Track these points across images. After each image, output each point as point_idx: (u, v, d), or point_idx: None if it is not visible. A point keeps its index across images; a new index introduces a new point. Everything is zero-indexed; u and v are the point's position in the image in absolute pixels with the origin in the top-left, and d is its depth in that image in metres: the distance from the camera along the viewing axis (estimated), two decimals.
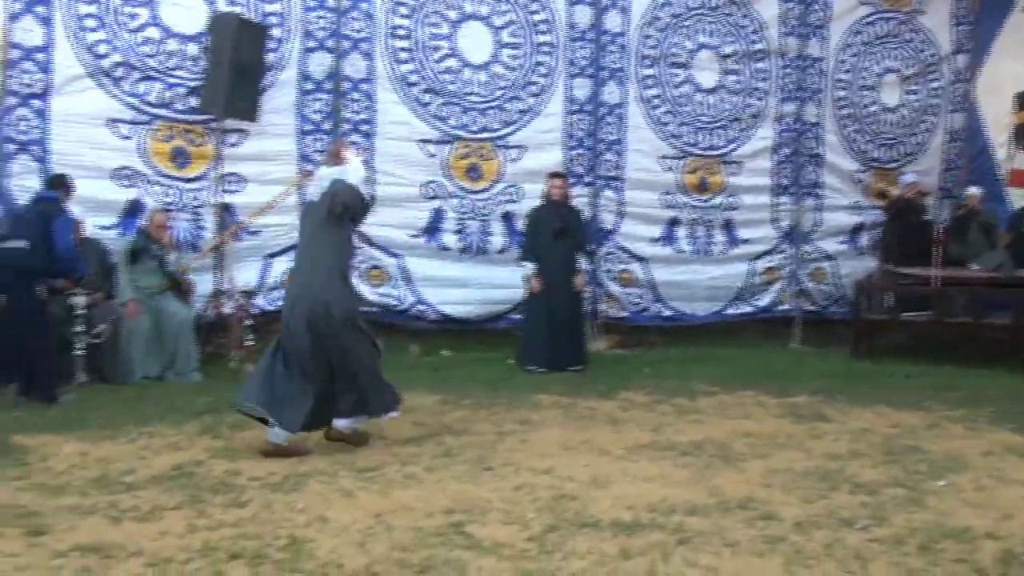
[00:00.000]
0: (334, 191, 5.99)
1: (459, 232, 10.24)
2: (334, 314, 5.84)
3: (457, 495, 5.05)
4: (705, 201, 11.21)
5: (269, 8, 9.44)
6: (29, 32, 8.56)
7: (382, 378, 6.11)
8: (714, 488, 5.22)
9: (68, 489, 5.03)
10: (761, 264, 11.47)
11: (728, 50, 11.20)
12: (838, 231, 11.78)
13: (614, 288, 10.82)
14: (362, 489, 5.15)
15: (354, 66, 9.81)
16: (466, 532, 4.50)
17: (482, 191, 10.31)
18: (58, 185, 7.68)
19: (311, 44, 9.64)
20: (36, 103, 8.58)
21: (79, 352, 7.72)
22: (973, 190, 11.53)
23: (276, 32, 9.42)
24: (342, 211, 5.95)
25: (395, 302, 9.96)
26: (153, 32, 8.98)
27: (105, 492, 5.00)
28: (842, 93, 11.73)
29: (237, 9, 9.22)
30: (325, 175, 6.20)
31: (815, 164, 11.65)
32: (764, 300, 11.50)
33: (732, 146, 11.32)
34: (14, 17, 8.51)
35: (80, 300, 7.63)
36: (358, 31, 9.79)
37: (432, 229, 10.13)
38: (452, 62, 10.17)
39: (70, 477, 5.25)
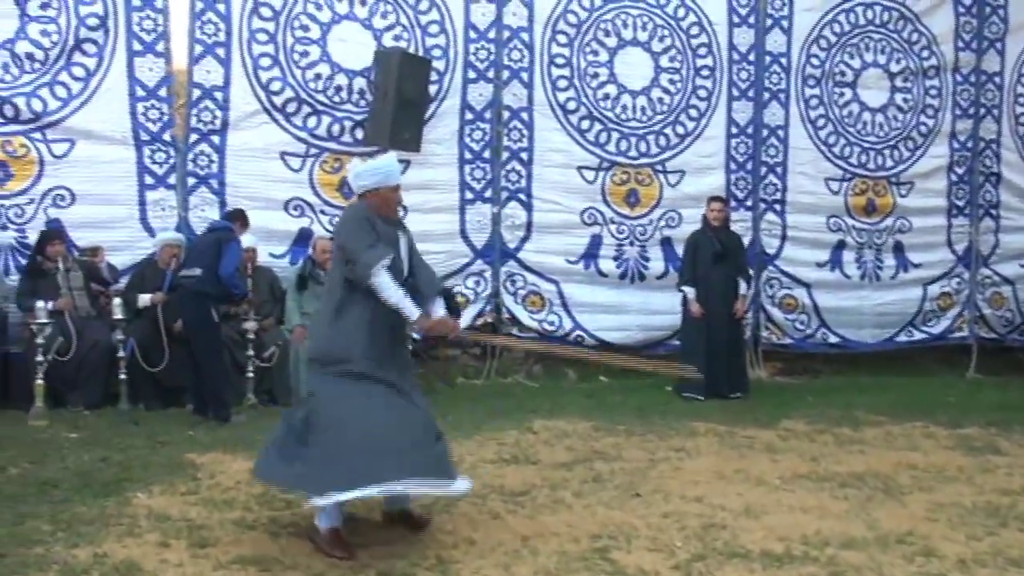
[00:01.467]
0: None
1: (617, 258, 10.23)
2: (309, 353, 5.09)
3: (604, 521, 5.04)
4: (873, 224, 10.85)
5: (432, 41, 9.70)
6: (210, 72, 9.08)
7: (341, 452, 4.42)
8: (873, 521, 5.03)
9: (234, 504, 5.27)
10: (935, 289, 11.03)
11: (897, 67, 10.84)
12: (1019, 254, 11.19)
13: (777, 314, 10.58)
14: (511, 512, 5.20)
15: (514, 95, 9.97)
16: (610, 558, 4.48)
17: (640, 216, 10.29)
18: (236, 217, 8.09)
19: (472, 75, 9.86)
20: (215, 139, 9.09)
21: (249, 375, 8.09)
22: None
23: (438, 64, 9.68)
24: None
25: (553, 328, 10.02)
26: (323, 68, 9.37)
27: (267, 508, 5.22)
28: (1022, 109, 11.16)
29: (402, 43, 9.52)
30: None
31: (993, 183, 11.13)
32: (938, 327, 11.04)
33: (902, 166, 10.94)
34: (197, 59, 9.05)
35: (251, 325, 8.01)
36: (518, 60, 9.96)
37: (590, 255, 10.15)
38: (611, 88, 10.22)
39: (236, 493, 5.50)
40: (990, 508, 5.29)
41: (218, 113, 9.11)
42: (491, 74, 9.90)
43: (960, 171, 11.08)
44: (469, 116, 9.87)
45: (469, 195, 9.87)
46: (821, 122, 10.73)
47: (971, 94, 11.06)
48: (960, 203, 11.09)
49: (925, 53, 10.93)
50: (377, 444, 4.38)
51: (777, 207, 10.62)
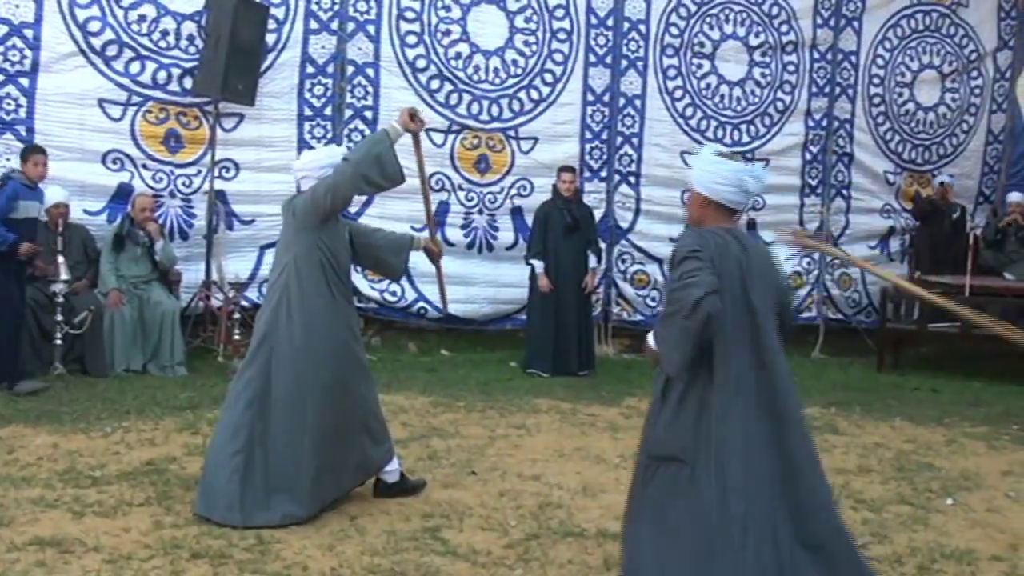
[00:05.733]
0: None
1: (465, 226, 10.29)
2: None
3: (437, 499, 5.12)
4: None
5: None
6: (18, 7, 8.64)
7: None
8: None
9: (33, 481, 5.12)
10: (785, 268, 11.45)
11: (756, 41, 11.21)
12: (867, 235, 11.78)
13: (628, 289, 10.83)
14: None
15: (359, 49, 9.87)
16: (441, 537, 4.56)
17: (491, 184, 10.35)
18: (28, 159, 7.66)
19: (314, 25, 9.68)
20: (23, 81, 8.66)
21: (58, 342, 7.81)
22: (1016, 197, 11.32)
23: (277, 12, 9.46)
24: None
25: (395, 298, 10.00)
26: (148, 9, 9.03)
27: (71, 486, 5.09)
28: (876, 90, 11.72)
29: None
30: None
31: (845, 164, 11.66)
32: None
33: (758, 142, 11.32)
34: None
35: (60, 287, 7.72)
36: (364, 12, 9.84)
37: (437, 223, 10.13)
38: (463, 47, 10.21)
39: (37, 469, 5.34)
40: None
41: (28, 53, 8.67)
42: (335, 25, 9.76)
43: (814, 150, 11.54)
44: (310, 69, 9.71)
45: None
46: (679, 93, 11.00)
47: (827, 72, 11.52)
48: (813, 182, 11.55)
49: (784, 28, 11.32)
50: None
51: (632, 179, 10.85)
